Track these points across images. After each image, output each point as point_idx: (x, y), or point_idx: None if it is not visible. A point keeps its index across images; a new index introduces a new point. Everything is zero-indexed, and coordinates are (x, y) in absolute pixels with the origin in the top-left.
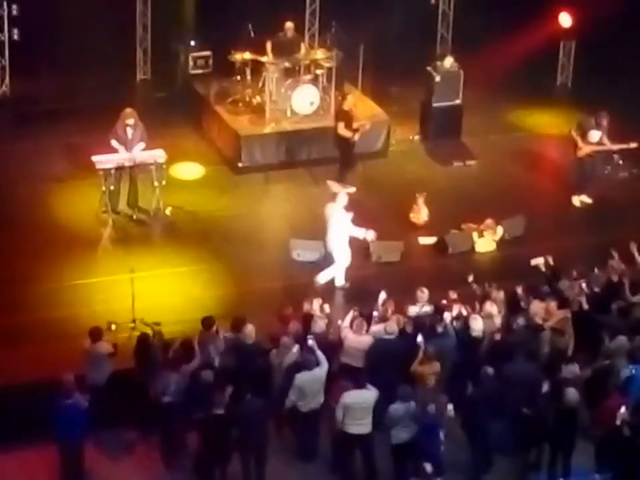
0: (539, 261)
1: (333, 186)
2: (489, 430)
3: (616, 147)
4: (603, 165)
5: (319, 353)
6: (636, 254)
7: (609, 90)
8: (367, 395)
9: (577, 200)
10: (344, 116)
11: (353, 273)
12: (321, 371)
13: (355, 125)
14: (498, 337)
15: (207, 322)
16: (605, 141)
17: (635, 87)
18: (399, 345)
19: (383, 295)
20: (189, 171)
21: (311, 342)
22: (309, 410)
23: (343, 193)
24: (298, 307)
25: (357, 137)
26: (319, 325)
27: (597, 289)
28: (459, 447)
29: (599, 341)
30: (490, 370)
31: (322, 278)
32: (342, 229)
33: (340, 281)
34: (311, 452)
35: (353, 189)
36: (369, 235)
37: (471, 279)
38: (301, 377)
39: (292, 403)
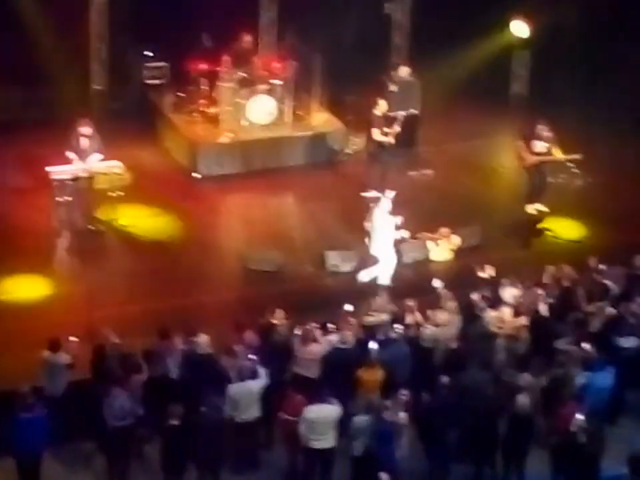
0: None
1: (370, 193)
2: (445, 439)
3: (561, 157)
4: (558, 174)
5: (260, 367)
6: (601, 270)
7: (563, 99)
8: (330, 410)
9: (531, 209)
10: (378, 121)
11: (308, 283)
12: (255, 383)
13: (385, 130)
14: (453, 345)
15: (163, 332)
16: (553, 151)
17: (589, 95)
18: (354, 355)
19: (348, 307)
20: None
21: (251, 355)
22: (242, 421)
23: (385, 198)
24: (254, 317)
25: (391, 140)
26: (279, 334)
27: (551, 298)
28: (417, 455)
29: (554, 348)
30: (445, 379)
31: (364, 276)
32: (388, 232)
33: (385, 280)
34: (250, 463)
35: (393, 193)
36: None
37: (437, 283)
38: (234, 388)
39: (228, 413)
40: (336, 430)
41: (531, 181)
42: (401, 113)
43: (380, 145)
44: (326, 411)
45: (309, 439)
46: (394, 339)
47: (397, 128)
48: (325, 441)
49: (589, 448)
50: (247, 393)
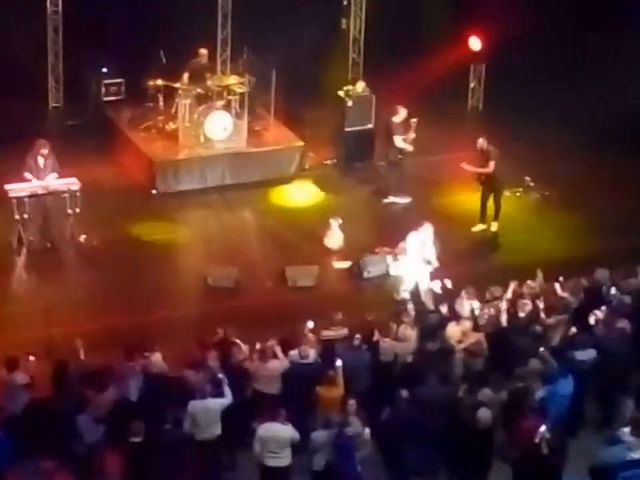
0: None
1: (390, 199)
2: (405, 453)
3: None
4: (514, 188)
5: (226, 387)
6: (560, 283)
7: (518, 112)
8: (281, 429)
9: (479, 228)
10: (398, 129)
11: (268, 298)
12: (216, 402)
13: (405, 137)
14: (410, 359)
15: (128, 353)
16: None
17: (544, 109)
18: (315, 370)
19: (309, 324)
20: None
21: (220, 375)
22: (203, 440)
23: (428, 226)
24: (213, 334)
25: (411, 148)
26: (239, 351)
27: (511, 312)
28: (377, 470)
29: (514, 362)
30: (404, 393)
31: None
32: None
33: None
34: None
35: (409, 199)
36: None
37: (399, 297)
38: (194, 405)
39: (187, 430)
40: (290, 449)
41: (481, 199)
42: (414, 120)
43: (400, 151)
44: (276, 430)
45: (263, 456)
46: (355, 346)
47: (412, 135)
48: (280, 459)
49: (552, 460)
50: (205, 410)
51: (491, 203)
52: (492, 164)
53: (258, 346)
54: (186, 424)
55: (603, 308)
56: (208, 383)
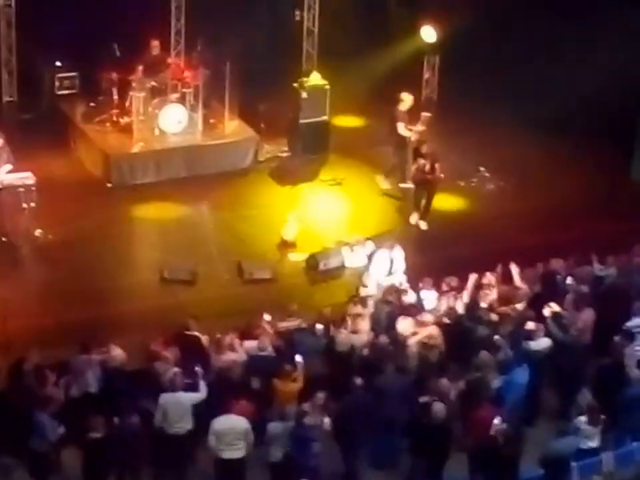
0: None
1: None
2: (360, 441)
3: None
4: (470, 178)
5: (201, 382)
6: (515, 273)
7: (472, 102)
8: (236, 421)
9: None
10: (403, 116)
11: (224, 291)
12: (188, 396)
13: (410, 126)
14: (366, 352)
15: (84, 346)
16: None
17: (497, 99)
18: (272, 362)
19: (266, 316)
20: None
21: (197, 368)
22: (173, 434)
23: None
24: (171, 327)
25: (414, 136)
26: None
27: (467, 302)
28: (336, 461)
29: (471, 352)
30: (359, 380)
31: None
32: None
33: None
34: (177, 476)
35: (411, 185)
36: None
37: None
38: (164, 397)
39: (158, 424)
40: (246, 440)
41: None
42: (426, 115)
43: (404, 139)
44: (232, 422)
45: (219, 449)
46: (312, 332)
47: (420, 127)
48: (235, 451)
49: (507, 450)
50: (176, 403)
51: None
52: (437, 166)
53: (214, 339)
54: (157, 417)
55: (567, 297)
56: (181, 375)
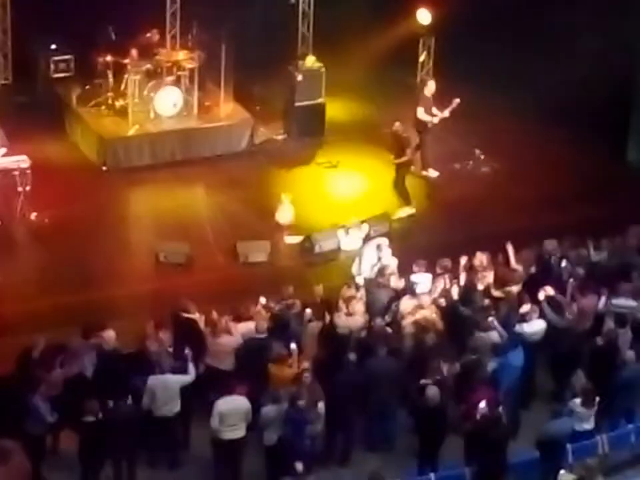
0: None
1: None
2: (352, 420)
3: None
4: (466, 160)
5: (190, 364)
6: (511, 255)
7: (468, 84)
8: (241, 402)
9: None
10: (425, 101)
11: (220, 274)
12: (176, 378)
13: (434, 111)
14: (363, 334)
15: (85, 331)
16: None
17: (494, 82)
18: (268, 344)
19: (262, 300)
20: None
21: (187, 350)
22: (161, 416)
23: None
24: (166, 310)
25: (435, 120)
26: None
27: (462, 284)
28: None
29: (467, 335)
30: (352, 356)
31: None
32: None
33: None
34: (169, 461)
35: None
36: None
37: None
38: (152, 380)
39: (146, 406)
40: (246, 421)
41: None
42: (456, 100)
43: (425, 124)
44: (236, 403)
45: (220, 430)
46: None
47: (446, 113)
48: (236, 431)
49: (494, 434)
50: (164, 386)
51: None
52: (408, 152)
53: (209, 322)
54: (145, 399)
55: (570, 282)
56: (169, 357)
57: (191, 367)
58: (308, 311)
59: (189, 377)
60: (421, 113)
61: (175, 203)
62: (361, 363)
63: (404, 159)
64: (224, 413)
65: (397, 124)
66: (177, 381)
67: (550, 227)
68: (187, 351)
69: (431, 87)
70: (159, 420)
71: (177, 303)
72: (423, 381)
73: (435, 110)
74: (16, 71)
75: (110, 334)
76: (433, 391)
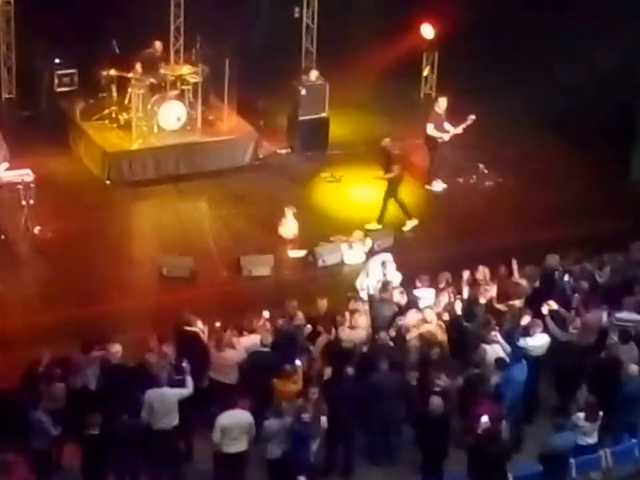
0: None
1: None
2: (351, 434)
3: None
4: (469, 174)
5: (188, 377)
6: (515, 269)
7: (472, 98)
8: (243, 416)
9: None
10: (436, 118)
11: (223, 288)
12: (174, 392)
13: (446, 126)
14: (365, 349)
15: (85, 346)
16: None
17: (499, 96)
18: (272, 358)
19: (265, 314)
20: None
21: (184, 364)
22: (159, 429)
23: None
24: (170, 324)
25: (446, 137)
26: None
27: (465, 298)
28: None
29: (470, 349)
30: (350, 370)
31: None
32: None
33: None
34: (173, 473)
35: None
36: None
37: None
38: (150, 393)
39: (145, 419)
40: (248, 434)
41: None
42: (472, 117)
43: (435, 140)
44: (238, 417)
45: (222, 444)
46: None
47: (459, 129)
48: (238, 445)
49: (492, 450)
50: (161, 399)
51: (399, 200)
52: (395, 168)
53: (213, 336)
54: (144, 412)
55: (575, 297)
56: (167, 371)
57: (189, 381)
58: (308, 326)
59: (187, 391)
60: (430, 129)
61: (179, 216)
62: (362, 377)
63: (391, 174)
64: (226, 426)
65: (387, 140)
66: (174, 394)
67: (554, 241)
68: (185, 364)
69: (442, 104)
70: (158, 433)
71: (181, 317)
72: (436, 381)
73: (447, 126)
74: (20, 85)
75: (116, 348)
76: (436, 401)
